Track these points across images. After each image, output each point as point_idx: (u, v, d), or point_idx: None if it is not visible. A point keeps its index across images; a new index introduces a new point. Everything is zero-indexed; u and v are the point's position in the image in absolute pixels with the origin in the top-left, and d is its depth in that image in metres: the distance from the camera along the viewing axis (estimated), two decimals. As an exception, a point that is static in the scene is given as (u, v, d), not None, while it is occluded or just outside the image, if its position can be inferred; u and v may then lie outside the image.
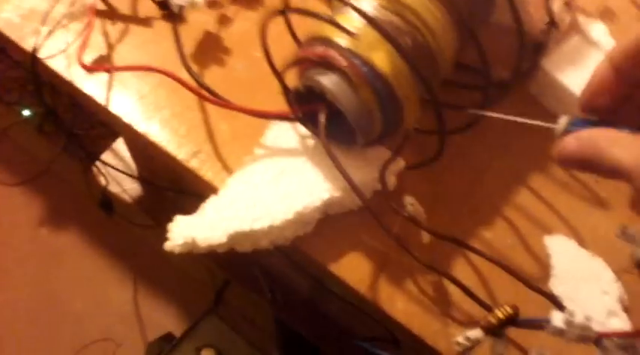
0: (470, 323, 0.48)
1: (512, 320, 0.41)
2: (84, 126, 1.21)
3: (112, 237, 1.33)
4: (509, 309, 0.41)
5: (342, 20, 0.46)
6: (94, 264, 1.33)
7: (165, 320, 1.26)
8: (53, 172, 1.34)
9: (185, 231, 0.46)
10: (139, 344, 1.24)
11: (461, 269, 0.50)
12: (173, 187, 0.70)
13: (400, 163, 0.51)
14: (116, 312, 1.28)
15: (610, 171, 0.31)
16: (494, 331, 0.41)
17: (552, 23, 0.56)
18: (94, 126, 1.31)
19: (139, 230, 1.20)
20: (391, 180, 0.51)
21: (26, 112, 1.40)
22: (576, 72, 0.58)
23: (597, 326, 0.40)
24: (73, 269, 1.33)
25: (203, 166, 0.52)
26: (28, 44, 0.57)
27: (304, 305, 0.77)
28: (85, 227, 1.36)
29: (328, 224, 0.50)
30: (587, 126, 0.34)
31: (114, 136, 1.03)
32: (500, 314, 0.41)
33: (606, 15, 0.67)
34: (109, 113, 0.55)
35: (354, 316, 0.70)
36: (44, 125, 1.41)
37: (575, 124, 0.35)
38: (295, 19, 0.53)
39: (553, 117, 0.59)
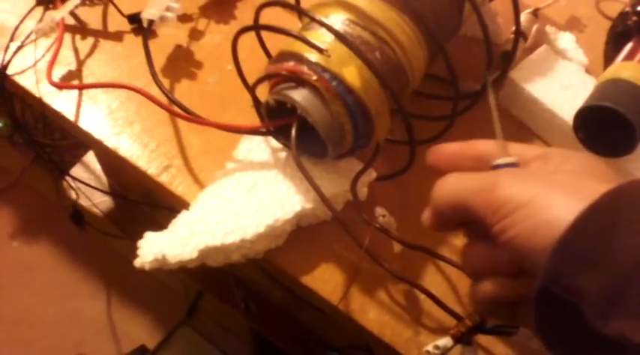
0: (441, 330, 0.49)
1: (481, 328, 0.42)
2: (54, 137, 1.19)
3: (84, 249, 1.31)
4: (477, 317, 0.42)
5: (312, 35, 0.47)
6: (66, 276, 1.31)
7: (139, 331, 1.25)
8: (24, 184, 1.32)
9: (155, 248, 0.46)
10: (113, 356, 1.23)
11: (432, 278, 0.51)
12: (145, 201, 0.70)
13: (371, 174, 0.52)
14: (90, 325, 1.27)
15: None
16: (464, 339, 0.42)
17: (519, 33, 0.58)
18: (65, 137, 1.30)
19: (111, 241, 1.19)
20: (363, 191, 0.52)
21: (-4, 124, 1.38)
22: (544, 81, 0.59)
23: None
24: (45, 281, 1.31)
25: (174, 181, 0.52)
26: (-4, 60, 0.57)
27: (278, 315, 0.78)
28: (56, 239, 1.34)
29: (301, 236, 0.51)
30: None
31: (85, 147, 1.02)
32: (469, 322, 0.41)
33: (573, 24, 0.69)
34: (79, 129, 0.55)
35: (329, 325, 0.70)
36: (15, 136, 1.39)
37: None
38: (267, 33, 0.53)
39: (522, 126, 0.61)
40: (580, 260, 0.26)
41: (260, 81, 0.49)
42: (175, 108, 0.53)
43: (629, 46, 0.54)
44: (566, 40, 0.62)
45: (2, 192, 1.33)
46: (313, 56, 0.46)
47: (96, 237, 1.14)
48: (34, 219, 1.37)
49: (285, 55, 0.47)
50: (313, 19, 0.46)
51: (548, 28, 0.64)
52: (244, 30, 0.49)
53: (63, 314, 1.28)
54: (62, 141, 1.16)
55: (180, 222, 0.48)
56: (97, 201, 0.92)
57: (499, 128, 0.35)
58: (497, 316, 0.33)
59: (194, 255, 0.46)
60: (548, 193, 0.28)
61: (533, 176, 0.31)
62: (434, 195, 0.34)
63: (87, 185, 0.69)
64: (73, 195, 0.81)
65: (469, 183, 0.32)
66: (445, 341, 0.42)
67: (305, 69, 0.45)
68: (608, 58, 0.57)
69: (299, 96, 0.46)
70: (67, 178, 0.81)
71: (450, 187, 0.33)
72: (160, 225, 0.49)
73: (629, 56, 0.53)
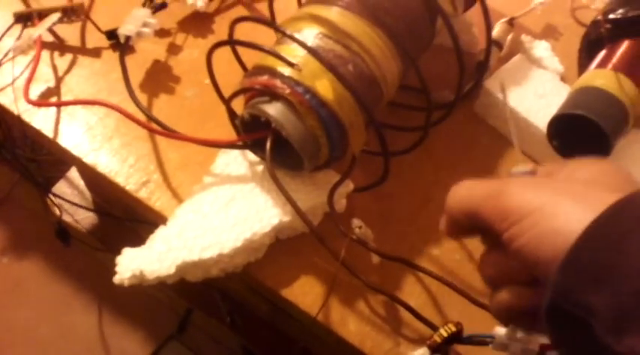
0: (421, 341, 0.49)
1: (457, 338, 0.42)
2: (42, 153, 1.19)
3: (75, 264, 1.31)
4: (452, 327, 0.42)
5: (285, 49, 0.47)
6: (57, 292, 1.30)
7: (132, 345, 1.24)
8: (13, 200, 1.32)
9: (132, 264, 0.46)
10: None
11: (410, 288, 0.51)
12: (127, 216, 0.70)
13: (349, 186, 0.52)
14: (81, 340, 1.26)
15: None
16: (440, 349, 0.42)
17: (490, 43, 0.58)
18: (51, 152, 1.30)
19: (101, 255, 1.18)
20: (341, 203, 0.52)
21: (-18, 140, 1.38)
22: (519, 90, 0.60)
23: (540, 340, 0.41)
24: (36, 297, 1.31)
25: (152, 196, 0.53)
26: (-26, 78, 0.57)
27: (264, 328, 0.77)
28: (46, 254, 1.33)
29: (280, 248, 0.51)
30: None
31: (69, 163, 1.02)
32: (444, 333, 0.42)
33: (549, 32, 0.70)
34: (58, 146, 0.55)
35: (315, 337, 0.70)
36: (2, 152, 1.39)
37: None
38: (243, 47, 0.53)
39: (498, 135, 0.61)
40: (588, 275, 0.25)
41: (235, 95, 0.49)
42: (152, 125, 0.53)
43: (601, 53, 0.55)
44: (541, 49, 0.63)
45: (-10, 208, 1.33)
46: (286, 70, 0.46)
47: (86, 252, 1.14)
48: (23, 235, 1.37)
49: (259, 69, 0.47)
50: (285, 35, 0.46)
51: (524, 37, 0.64)
52: (218, 45, 0.50)
53: (55, 329, 1.28)
54: (48, 156, 1.16)
55: (158, 238, 0.48)
56: (81, 217, 0.92)
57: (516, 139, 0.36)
58: (519, 325, 0.34)
59: (172, 270, 0.46)
60: (556, 201, 0.28)
61: (541, 184, 0.31)
62: (447, 202, 0.34)
63: (69, 202, 0.69)
64: (57, 212, 0.81)
65: (479, 190, 0.32)
66: (422, 351, 0.42)
67: (278, 83, 0.46)
68: (582, 66, 0.57)
69: (273, 110, 0.46)
70: (50, 195, 0.81)
71: (462, 193, 0.33)
72: (143, 240, 0.49)
73: (602, 64, 0.53)
